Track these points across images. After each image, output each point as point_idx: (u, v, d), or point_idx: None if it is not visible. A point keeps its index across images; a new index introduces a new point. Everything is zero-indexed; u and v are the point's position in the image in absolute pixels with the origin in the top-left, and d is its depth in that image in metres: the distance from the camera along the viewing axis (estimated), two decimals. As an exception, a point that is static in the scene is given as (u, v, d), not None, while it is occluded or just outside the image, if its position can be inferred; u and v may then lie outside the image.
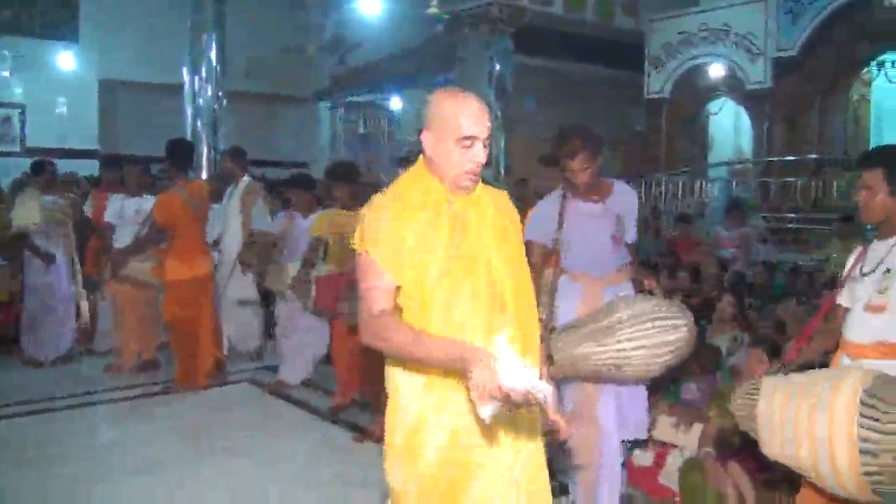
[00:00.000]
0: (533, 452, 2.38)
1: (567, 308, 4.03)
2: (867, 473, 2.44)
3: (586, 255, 4.01)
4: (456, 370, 2.14)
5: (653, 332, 3.52)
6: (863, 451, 2.44)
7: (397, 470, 2.33)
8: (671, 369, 3.83)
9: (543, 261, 4.13)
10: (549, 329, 3.83)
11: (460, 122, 2.25)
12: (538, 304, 4.19)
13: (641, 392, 4.08)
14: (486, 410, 1.93)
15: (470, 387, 1.95)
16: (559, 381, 4.15)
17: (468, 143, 2.25)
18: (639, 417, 4.09)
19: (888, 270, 2.93)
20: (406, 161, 5.59)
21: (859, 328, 3.00)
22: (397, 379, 2.34)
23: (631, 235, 4.08)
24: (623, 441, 4.09)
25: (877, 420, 2.43)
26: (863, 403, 2.47)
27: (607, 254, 3.99)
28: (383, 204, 2.30)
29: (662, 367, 3.64)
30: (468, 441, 2.27)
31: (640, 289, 4.10)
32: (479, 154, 2.27)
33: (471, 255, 2.28)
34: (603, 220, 3.99)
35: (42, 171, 7.53)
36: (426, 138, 2.32)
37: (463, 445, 2.27)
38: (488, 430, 2.27)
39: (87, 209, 7.81)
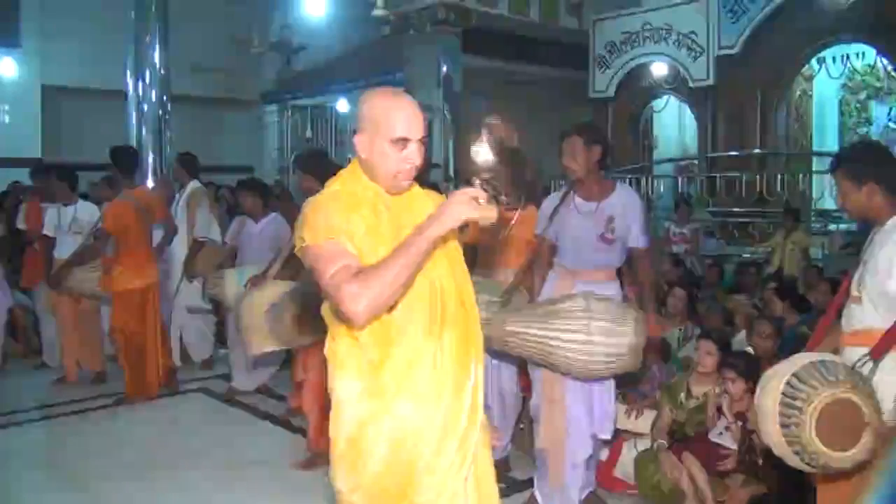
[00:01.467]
0: (480, 453, 2.37)
1: (543, 297, 4.16)
2: (789, 443, 2.66)
3: (568, 249, 4.14)
4: (406, 362, 2.21)
5: (590, 330, 3.54)
6: (781, 424, 2.66)
7: (343, 476, 2.28)
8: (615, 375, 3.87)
9: (539, 253, 4.32)
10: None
11: (394, 123, 2.21)
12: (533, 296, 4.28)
13: (609, 389, 4.10)
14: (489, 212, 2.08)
15: (475, 217, 2.06)
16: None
17: (402, 144, 2.22)
18: (604, 414, 4.11)
19: (865, 262, 3.00)
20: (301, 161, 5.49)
21: (844, 318, 3.09)
22: (336, 387, 2.29)
23: (635, 239, 4.11)
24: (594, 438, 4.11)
25: (793, 398, 2.64)
26: (787, 383, 2.68)
27: (588, 251, 4.06)
28: (328, 197, 2.26)
29: (602, 369, 3.66)
30: (412, 445, 2.24)
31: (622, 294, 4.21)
32: (414, 155, 2.24)
33: None
34: (592, 218, 4.06)
35: None
36: (359, 140, 2.27)
37: (407, 450, 2.24)
38: (433, 434, 2.25)
39: (20, 220, 7.70)
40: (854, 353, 2.90)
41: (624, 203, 4.11)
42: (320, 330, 2.40)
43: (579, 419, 4.02)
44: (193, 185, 7.37)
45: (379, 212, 2.26)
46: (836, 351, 3.08)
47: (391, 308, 2.18)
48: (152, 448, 5.40)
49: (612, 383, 4.10)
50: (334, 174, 2.40)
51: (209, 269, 6.67)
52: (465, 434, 2.30)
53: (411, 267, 2.07)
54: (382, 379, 2.22)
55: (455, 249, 2.42)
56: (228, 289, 6.04)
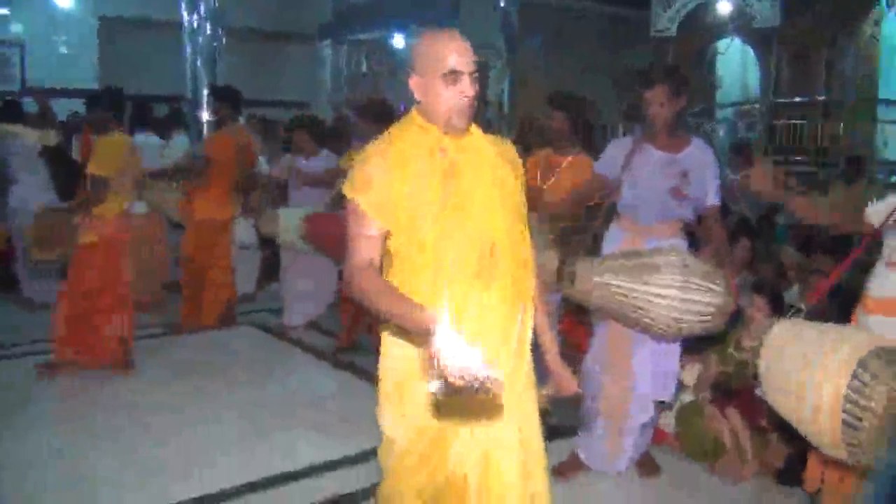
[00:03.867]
0: (525, 402, 2.39)
1: (608, 251, 4.01)
2: (847, 444, 2.43)
3: (638, 201, 3.94)
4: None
5: (681, 286, 3.36)
6: (845, 423, 2.42)
7: (388, 415, 2.35)
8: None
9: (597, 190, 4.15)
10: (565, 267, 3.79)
11: (443, 57, 2.22)
12: (579, 241, 4.19)
13: (675, 352, 3.97)
14: (434, 386, 1.85)
15: (424, 358, 1.91)
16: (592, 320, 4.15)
17: (454, 77, 2.22)
18: (668, 375, 3.98)
19: None
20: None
21: (877, 283, 2.94)
22: (384, 336, 2.35)
23: (709, 197, 3.92)
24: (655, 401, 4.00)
25: (863, 396, 2.40)
26: (854, 376, 2.43)
27: (660, 205, 3.88)
28: (376, 151, 2.29)
29: (687, 328, 3.47)
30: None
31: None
32: (468, 88, 2.24)
33: (463, 203, 2.25)
34: (666, 171, 3.86)
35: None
36: (413, 83, 2.30)
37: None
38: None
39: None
40: (888, 324, 2.77)
41: (700, 159, 3.91)
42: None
43: (644, 381, 3.90)
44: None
45: (434, 156, 2.28)
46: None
47: (444, 253, 2.23)
48: (202, 378, 5.53)
49: (678, 343, 3.93)
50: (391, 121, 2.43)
51: (259, 205, 6.76)
52: (510, 380, 2.29)
53: (387, 316, 2.16)
54: None
55: (518, 206, 2.41)
56: (282, 227, 6.22)
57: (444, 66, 2.22)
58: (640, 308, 3.46)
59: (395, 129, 2.35)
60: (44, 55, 13.65)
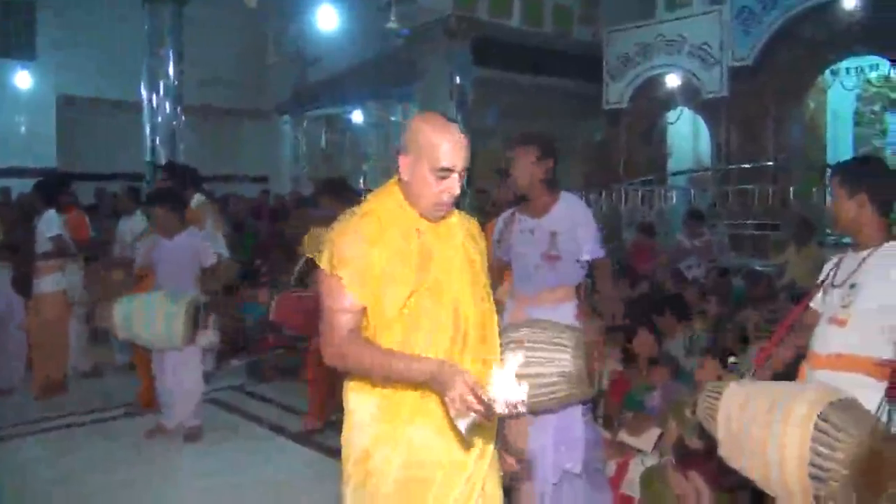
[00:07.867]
0: (488, 475, 2.38)
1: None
2: (816, 498, 2.45)
3: (518, 272, 3.99)
4: (422, 387, 2.17)
5: (526, 363, 3.31)
6: (812, 477, 2.45)
7: (353, 498, 2.31)
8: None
9: (499, 277, 4.11)
10: None
11: (439, 153, 2.22)
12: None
13: (573, 417, 3.86)
14: (463, 424, 1.98)
15: (447, 402, 1.99)
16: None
17: (445, 174, 2.23)
18: (570, 444, 3.87)
19: (853, 285, 2.94)
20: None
21: (822, 339, 3.02)
22: (349, 407, 2.34)
23: (584, 251, 3.91)
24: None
25: (829, 448, 2.44)
26: (816, 429, 2.48)
27: (534, 272, 3.89)
28: (353, 226, 2.27)
29: (545, 402, 3.42)
30: (424, 468, 2.26)
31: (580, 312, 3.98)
32: (455, 186, 2.25)
33: (436, 284, 2.26)
34: (535, 237, 3.89)
35: None
36: (403, 162, 2.29)
37: (419, 472, 2.26)
38: (444, 458, 2.27)
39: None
40: (835, 378, 2.84)
41: (568, 215, 3.90)
42: None
43: (542, 451, 3.79)
44: (196, 198, 7.14)
45: (410, 237, 2.28)
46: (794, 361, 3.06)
47: (414, 334, 2.24)
48: (167, 460, 5.44)
49: (576, 410, 3.84)
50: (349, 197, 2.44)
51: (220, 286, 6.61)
52: (477, 460, 2.32)
53: (385, 377, 2.18)
54: (397, 402, 2.25)
55: (485, 284, 2.44)
56: (117, 319, 5.65)
57: (438, 161, 2.22)
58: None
59: (372, 202, 2.35)
60: (2, 135, 13.60)
